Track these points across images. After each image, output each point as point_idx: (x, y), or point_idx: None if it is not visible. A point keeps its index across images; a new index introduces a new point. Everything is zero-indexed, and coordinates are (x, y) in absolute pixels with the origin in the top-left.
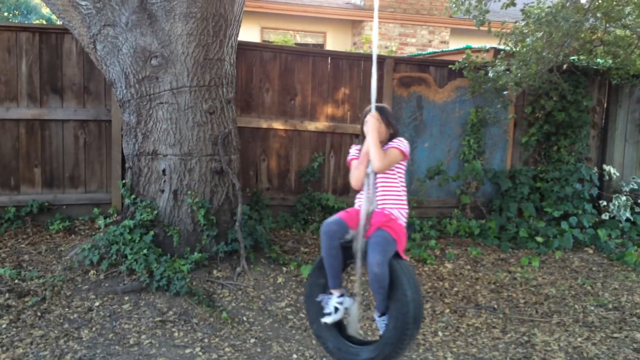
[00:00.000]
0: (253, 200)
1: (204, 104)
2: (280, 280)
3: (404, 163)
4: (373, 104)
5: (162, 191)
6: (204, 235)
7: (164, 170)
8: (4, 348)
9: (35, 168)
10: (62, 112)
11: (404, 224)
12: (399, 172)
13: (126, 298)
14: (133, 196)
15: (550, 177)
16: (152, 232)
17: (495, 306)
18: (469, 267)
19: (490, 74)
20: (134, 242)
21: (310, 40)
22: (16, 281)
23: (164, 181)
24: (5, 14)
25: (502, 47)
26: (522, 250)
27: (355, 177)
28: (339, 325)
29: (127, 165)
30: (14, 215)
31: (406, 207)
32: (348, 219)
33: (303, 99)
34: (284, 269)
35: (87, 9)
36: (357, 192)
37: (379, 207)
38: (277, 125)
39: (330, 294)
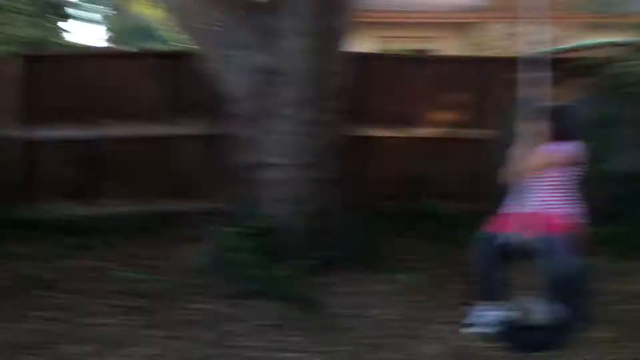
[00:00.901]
0: (362, 208)
1: (314, 115)
2: (386, 288)
3: (570, 168)
4: (525, 105)
5: (272, 200)
6: (310, 242)
7: (276, 180)
8: (118, 345)
9: (158, 180)
10: (183, 129)
11: (574, 222)
12: (567, 173)
13: (236, 302)
14: (243, 205)
15: None
16: (259, 240)
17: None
18: None
19: (621, 71)
20: (244, 249)
21: (430, 46)
22: (135, 284)
23: (277, 190)
24: (139, 41)
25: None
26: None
27: (510, 173)
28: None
29: (238, 175)
30: (137, 225)
31: (573, 206)
32: (498, 228)
33: (419, 106)
34: (388, 275)
35: (214, 32)
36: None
37: (543, 207)
38: (390, 132)
39: (485, 305)
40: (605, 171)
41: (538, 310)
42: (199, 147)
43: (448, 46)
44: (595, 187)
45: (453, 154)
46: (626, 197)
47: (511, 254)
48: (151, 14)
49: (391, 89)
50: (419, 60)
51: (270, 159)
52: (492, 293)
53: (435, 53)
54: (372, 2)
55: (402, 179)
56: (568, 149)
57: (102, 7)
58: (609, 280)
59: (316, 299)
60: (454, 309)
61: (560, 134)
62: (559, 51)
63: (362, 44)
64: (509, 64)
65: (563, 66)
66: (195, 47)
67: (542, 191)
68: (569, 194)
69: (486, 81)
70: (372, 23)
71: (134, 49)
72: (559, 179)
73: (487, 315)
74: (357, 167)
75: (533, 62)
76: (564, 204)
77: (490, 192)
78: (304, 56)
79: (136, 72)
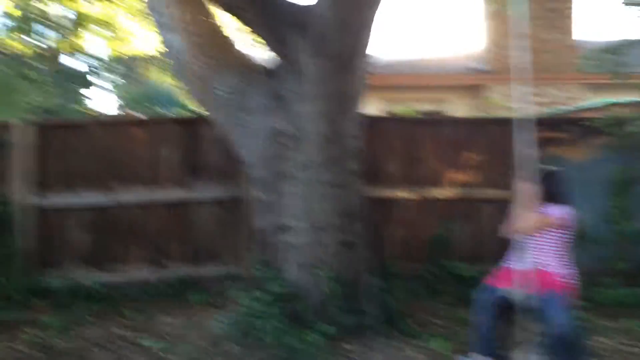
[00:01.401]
0: (382, 271)
1: (331, 178)
2: (411, 353)
3: (564, 230)
4: (519, 168)
5: (293, 264)
6: (334, 307)
7: (294, 244)
8: None
9: (178, 245)
10: (202, 193)
11: (570, 282)
12: (560, 236)
13: None
14: (265, 269)
15: None
16: (283, 305)
17: None
18: (625, 341)
19: (636, 129)
20: (268, 315)
21: (434, 107)
22: (160, 353)
23: (295, 254)
24: (154, 107)
25: None
26: None
27: (508, 230)
28: None
29: (259, 239)
30: (159, 290)
31: (566, 266)
32: (497, 282)
33: (429, 167)
34: (415, 342)
35: (225, 99)
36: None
37: (540, 266)
38: (404, 194)
39: (467, 356)
40: (626, 231)
41: None
42: (218, 211)
43: (455, 108)
44: (618, 248)
45: (469, 215)
46: None
47: (510, 308)
48: (168, 81)
49: (403, 150)
50: (430, 122)
51: (289, 222)
52: (487, 344)
53: (444, 114)
54: (379, 65)
55: (420, 241)
56: (560, 212)
57: (120, 75)
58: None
59: None
60: None
61: (552, 197)
62: (571, 111)
63: (371, 106)
64: (517, 124)
65: (577, 126)
66: (208, 113)
67: (538, 250)
68: (563, 255)
69: (496, 141)
70: (380, 86)
71: (150, 116)
72: (553, 240)
73: None
74: (375, 229)
75: (542, 122)
76: (558, 264)
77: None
78: (316, 119)
79: (153, 138)
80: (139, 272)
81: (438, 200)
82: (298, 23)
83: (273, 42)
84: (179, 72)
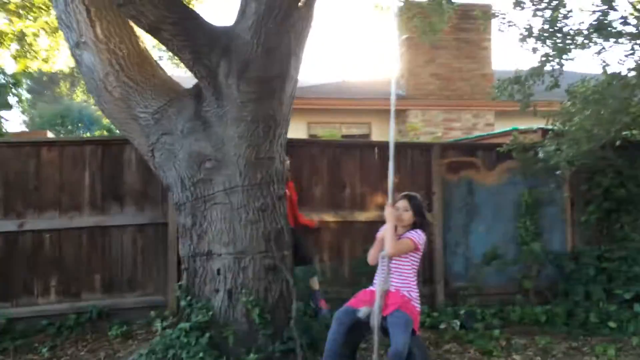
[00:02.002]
0: (307, 295)
1: (256, 202)
2: None
3: (419, 254)
4: (390, 191)
5: (217, 291)
6: (260, 334)
7: (218, 270)
8: None
9: (96, 274)
10: (121, 218)
11: (417, 306)
12: (412, 260)
13: None
14: (189, 297)
15: (616, 257)
16: (208, 334)
17: None
18: (539, 358)
19: (541, 155)
20: (190, 345)
21: (355, 131)
22: None
23: (219, 281)
24: (70, 127)
25: (549, 127)
26: (595, 337)
27: (371, 255)
28: None
29: (182, 266)
30: (75, 322)
31: (417, 291)
32: (356, 303)
33: (352, 190)
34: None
35: (146, 121)
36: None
37: (393, 287)
38: (328, 217)
39: None
40: (541, 251)
41: None
42: (140, 238)
43: (380, 132)
44: (535, 267)
45: None
46: (565, 276)
47: (364, 328)
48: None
49: (328, 173)
50: (354, 145)
51: (214, 248)
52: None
53: (362, 138)
54: (301, 89)
55: (344, 264)
56: (419, 237)
57: (30, 93)
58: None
59: None
60: None
61: (414, 223)
62: (484, 137)
63: (296, 130)
64: (436, 148)
65: (489, 151)
66: (127, 135)
67: (394, 272)
68: (413, 278)
69: (414, 165)
70: (301, 109)
71: (65, 136)
72: (407, 263)
73: None
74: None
75: (457, 147)
76: (409, 286)
77: (433, 274)
78: (240, 143)
79: (68, 161)
80: (52, 304)
81: (361, 223)
82: (222, 46)
83: (197, 64)
84: (93, 91)
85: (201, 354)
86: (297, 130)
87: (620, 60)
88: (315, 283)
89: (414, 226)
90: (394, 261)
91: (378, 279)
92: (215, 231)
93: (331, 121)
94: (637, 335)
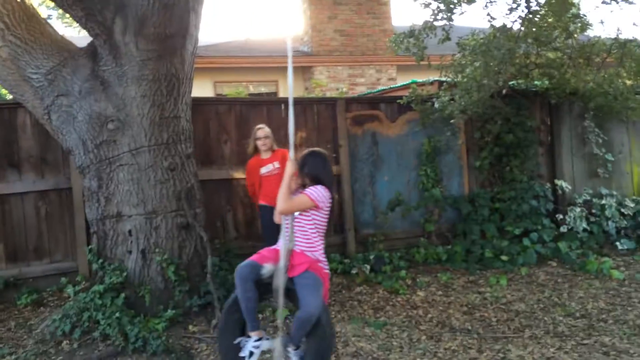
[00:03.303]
0: (223, 251)
1: (164, 162)
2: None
3: (322, 212)
4: (291, 144)
5: (130, 252)
6: (176, 291)
7: (129, 231)
8: None
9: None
10: (20, 185)
11: (326, 269)
12: (315, 219)
13: None
14: (100, 260)
15: (507, 197)
16: (123, 295)
17: (469, 327)
18: (440, 292)
19: (437, 105)
20: (105, 306)
21: (263, 89)
22: None
23: (131, 242)
24: None
25: (444, 79)
26: (490, 270)
27: (275, 213)
28: None
29: (91, 230)
30: None
31: (323, 253)
32: (260, 259)
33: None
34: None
35: (39, 82)
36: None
37: (299, 248)
38: (238, 174)
39: (248, 336)
40: (441, 196)
41: (283, 350)
42: (44, 205)
43: (280, 89)
44: (436, 211)
45: None
46: (463, 217)
47: (262, 289)
48: None
49: (235, 131)
50: (261, 103)
51: (123, 210)
52: (254, 322)
53: (270, 96)
54: (205, 48)
55: (256, 218)
56: (319, 193)
57: None
58: (457, 293)
59: (188, 347)
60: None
61: (314, 178)
62: (385, 91)
63: (202, 88)
64: (340, 103)
65: (391, 104)
66: (19, 98)
67: (297, 231)
68: (319, 237)
69: (320, 120)
70: (206, 68)
71: None
72: (310, 221)
73: (256, 345)
74: (211, 210)
75: (361, 101)
76: (314, 246)
77: (343, 223)
78: (143, 103)
79: None
80: None
81: None
82: (116, 2)
83: (90, 21)
84: None
85: (117, 314)
86: (203, 89)
87: (506, 13)
88: None
89: (316, 182)
90: (296, 220)
91: (282, 237)
92: (123, 193)
93: (238, 80)
94: (525, 265)
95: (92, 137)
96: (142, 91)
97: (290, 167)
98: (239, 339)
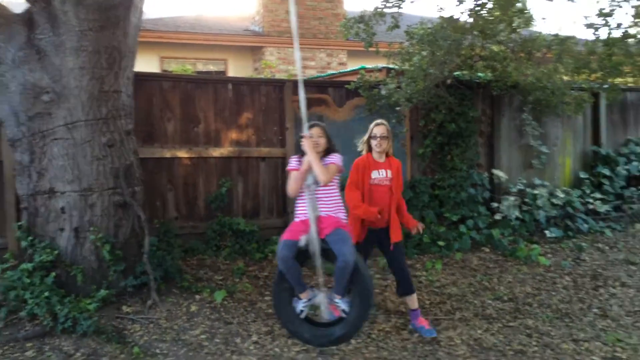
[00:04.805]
0: (162, 231)
1: (102, 137)
2: (193, 308)
3: (339, 176)
4: (305, 125)
5: (62, 230)
6: (111, 271)
7: (62, 208)
8: None
9: None
10: None
11: (347, 223)
12: (337, 183)
13: (29, 345)
14: (30, 238)
15: (446, 185)
16: (53, 274)
17: (403, 310)
18: (378, 275)
19: (383, 92)
20: (34, 285)
21: (212, 67)
22: None
23: (64, 219)
24: None
25: (392, 66)
26: (427, 254)
27: (293, 188)
28: (308, 318)
29: (22, 206)
30: None
31: (344, 211)
32: (293, 235)
33: (206, 126)
34: (197, 297)
35: None
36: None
37: (324, 212)
38: (181, 153)
39: (299, 298)
40: None
41: (331, 304)
42: None
43: (236, 69)
44: None
45: (246, 172)
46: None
47: (300, 258)
48: None
49: (180, 109)
50: (207, 81)
51: (57, 186)
52: (301, 285)
53: (218, 74)
54: (153, 21)
55: (200, 199)
56: (338, 160)
57: None
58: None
59: (120, 328)
60: (267, 319)
61: (328, 148)
62: (335, 75)
63: (147, 63)
64: (288, 85)
65: (339, 89)
66: None
67: (321, 198)
68: (339, 198)
69: (268, 102)
70: (152, 43)
71: None
72: (330, 187)
73: (305, 303)
74: (151, 189)
75: (311, 84)
76: (337, 207)
77: (285, 206)
78: (80, 75)
79: None
80: None
81: (216, 158)
82: None
83: None
84: None
85: (46, 293)
86: (148, 64)
87: (456, 3)
88: (413, 301)
89: (328, 151)
90: (322, 188)
91: (308, 207)
92: (57, 168)
93: (186, 57)
94: (460, 251)
95: (25, 109)
96: (81, 63)
97: (310, 143)
98: (294, 302)
